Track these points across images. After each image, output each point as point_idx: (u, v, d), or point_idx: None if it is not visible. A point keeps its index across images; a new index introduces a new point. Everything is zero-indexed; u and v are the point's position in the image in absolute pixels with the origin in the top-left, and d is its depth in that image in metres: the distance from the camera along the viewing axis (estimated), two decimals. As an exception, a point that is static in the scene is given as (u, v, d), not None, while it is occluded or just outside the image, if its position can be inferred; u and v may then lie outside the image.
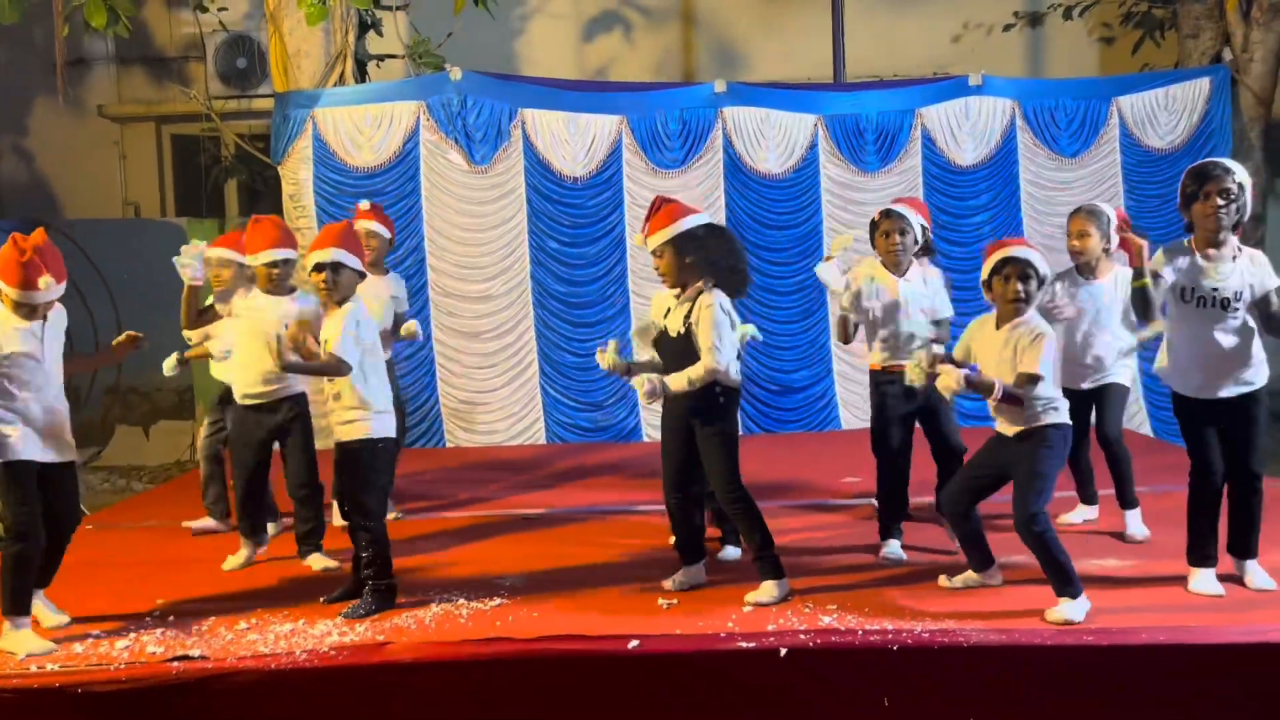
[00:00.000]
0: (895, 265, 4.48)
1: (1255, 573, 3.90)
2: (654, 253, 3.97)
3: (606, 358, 4.05)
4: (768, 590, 3.90)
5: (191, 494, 5.47)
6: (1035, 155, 7.90)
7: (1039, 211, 7.85)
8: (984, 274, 3.82)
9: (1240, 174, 3.74)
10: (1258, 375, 3.82)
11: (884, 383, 4.46)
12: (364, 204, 5.28)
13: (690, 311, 3.92)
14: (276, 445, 4.64)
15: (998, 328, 3.79)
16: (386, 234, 5.26)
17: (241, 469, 4.57)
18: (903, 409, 4.45)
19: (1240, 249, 3.81)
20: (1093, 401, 4.68)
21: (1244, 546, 3.93)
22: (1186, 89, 7.89)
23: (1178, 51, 8.64)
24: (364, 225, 5.04)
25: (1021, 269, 3.72)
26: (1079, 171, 7.87)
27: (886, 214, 4.52)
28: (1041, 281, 3.77)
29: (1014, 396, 3.66)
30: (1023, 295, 3.72)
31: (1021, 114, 7.90)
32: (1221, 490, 3.89)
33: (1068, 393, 3.97)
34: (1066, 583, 3.61)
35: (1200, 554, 3.89)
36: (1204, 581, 3.86)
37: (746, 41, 10.30)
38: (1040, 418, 3.72)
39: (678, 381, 3.90)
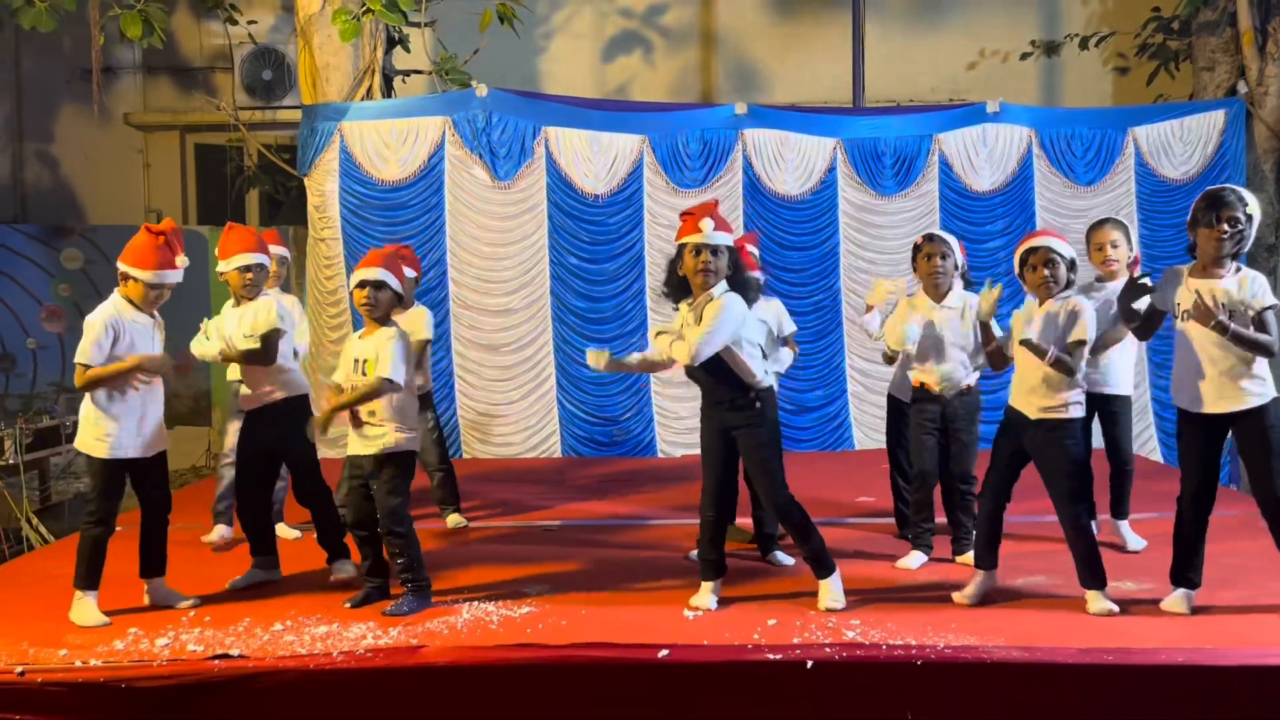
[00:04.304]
0: (935, 289, 4.64)
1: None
2: (714, 250, 3.92)
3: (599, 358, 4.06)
4: (831, 593, 4.02)
5: (205, 499, 5.44)
6: (1051, 182, 8.01)
7: (1055, 238, 7.95)
8: (1015, 267, 4.09)
9: (1252, 205, 3.83)
10: (1260, 390, 3.83)
11: (921, 400, 4.69)
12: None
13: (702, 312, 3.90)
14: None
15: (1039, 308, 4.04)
16: (412, 273, 5.18)
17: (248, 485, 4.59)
18: (932, 429, 4.66)
19: (1239, 269, 3.88)
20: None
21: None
22: (1201, 121, 8.01)
23: (1193, 83, 8.75)
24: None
25: (1045, 256, 3.99)
26: (1094, 200, 7.97)
27: (929, 238, 4.69)
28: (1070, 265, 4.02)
29: (1064, 363, 3.90)
30: (1050, 279, 3.98)
31: (1038, 141, 8.01)
32: (1202, 508, 3.97)
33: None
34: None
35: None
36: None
37: (765, 63, 10.42)
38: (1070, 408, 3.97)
39: (678, 349, 3.89)
